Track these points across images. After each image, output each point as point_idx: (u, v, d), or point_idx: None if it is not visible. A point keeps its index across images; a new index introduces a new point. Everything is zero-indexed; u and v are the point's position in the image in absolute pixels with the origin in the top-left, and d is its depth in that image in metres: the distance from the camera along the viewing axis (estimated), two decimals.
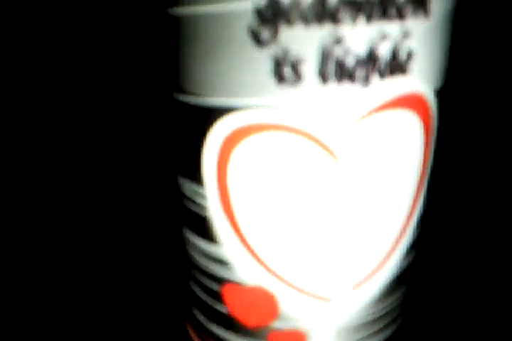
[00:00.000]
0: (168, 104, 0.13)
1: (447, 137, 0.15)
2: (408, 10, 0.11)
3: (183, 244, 0.15)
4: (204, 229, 0.14)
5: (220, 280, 0.14)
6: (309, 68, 0.11)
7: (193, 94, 0.12)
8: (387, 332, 0.15)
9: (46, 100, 0.26)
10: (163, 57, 0.12)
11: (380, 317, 0.15)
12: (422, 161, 0.13)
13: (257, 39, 0.10)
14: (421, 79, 0.12)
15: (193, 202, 0.14)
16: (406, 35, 0.11)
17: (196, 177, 0.13)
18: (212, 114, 0.12)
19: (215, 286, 0.14)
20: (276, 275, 0.13)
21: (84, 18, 0.25)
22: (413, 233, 0.14)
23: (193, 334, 0.17)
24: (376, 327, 0.15)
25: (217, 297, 0.15)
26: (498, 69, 0.25)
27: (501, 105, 0.26)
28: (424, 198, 0.14)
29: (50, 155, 0.27)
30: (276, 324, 0.14)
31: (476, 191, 0.25)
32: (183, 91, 0.12)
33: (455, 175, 0.25)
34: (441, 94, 0.13)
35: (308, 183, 0.12)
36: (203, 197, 0.13)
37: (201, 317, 0.16)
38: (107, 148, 0.27)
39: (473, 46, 0.23)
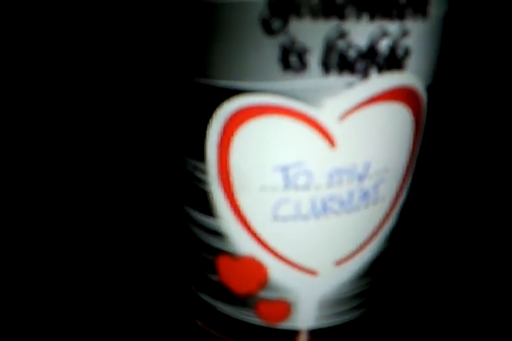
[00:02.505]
0: (180, 85, 0.14)
1: (433, 132, 0.16)
2: (408, 11, 0.12)
3: (181, 220, 0.16)
4: (203, 203, 0.15)
5: (215, 251, 0.15)
6: (314, 58, 0.12)
7: (205, 76, 0.13)
8: (359, 312, 0.17)
9: (56, 83, 0.27)
10: (180, 40, 0.13)
11: (356, 295, 0.16)
12: (410, 150, 0.14)
13: (268, 28, 0.11)
14: (415, 75, 0.13)
15: (195, 177, 0.15)
16: (405, 33, 0.12)
17: (199, 153, 0.14)
18: (221, 95, 0.13)
19: (209, 257, 0.16)
20: (268, 248, 0.14)
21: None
22: (395, 220, 0.15)
23: (185, 307, 0.18)
24: (352, 304, 0.16)
25: (211, 267, 0.16)
26: (485, 67, 0.26)
27: (487, 104, 0.27)
28: (407, 188, 0.15)
29: (59, 132, 0.27)
30: (265, 293, 0.15)
31: (456, 188, 0.26)
32: (197, 74, 0.13)
33: (437, 170, 0.26)
34: (431, 89, 0.14)
35: (304, 165, 0.13)
36: (204, 172, 0.14)
37: (193, 287, 0.17)
38: (112, 126, 0.27)
39: (461, 46, 0.24)
